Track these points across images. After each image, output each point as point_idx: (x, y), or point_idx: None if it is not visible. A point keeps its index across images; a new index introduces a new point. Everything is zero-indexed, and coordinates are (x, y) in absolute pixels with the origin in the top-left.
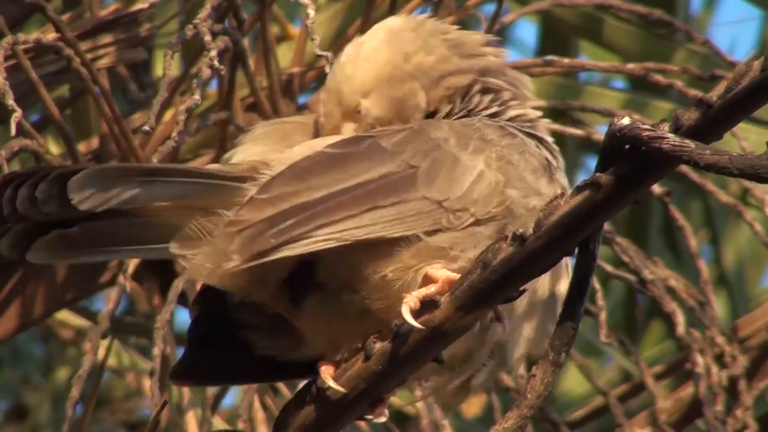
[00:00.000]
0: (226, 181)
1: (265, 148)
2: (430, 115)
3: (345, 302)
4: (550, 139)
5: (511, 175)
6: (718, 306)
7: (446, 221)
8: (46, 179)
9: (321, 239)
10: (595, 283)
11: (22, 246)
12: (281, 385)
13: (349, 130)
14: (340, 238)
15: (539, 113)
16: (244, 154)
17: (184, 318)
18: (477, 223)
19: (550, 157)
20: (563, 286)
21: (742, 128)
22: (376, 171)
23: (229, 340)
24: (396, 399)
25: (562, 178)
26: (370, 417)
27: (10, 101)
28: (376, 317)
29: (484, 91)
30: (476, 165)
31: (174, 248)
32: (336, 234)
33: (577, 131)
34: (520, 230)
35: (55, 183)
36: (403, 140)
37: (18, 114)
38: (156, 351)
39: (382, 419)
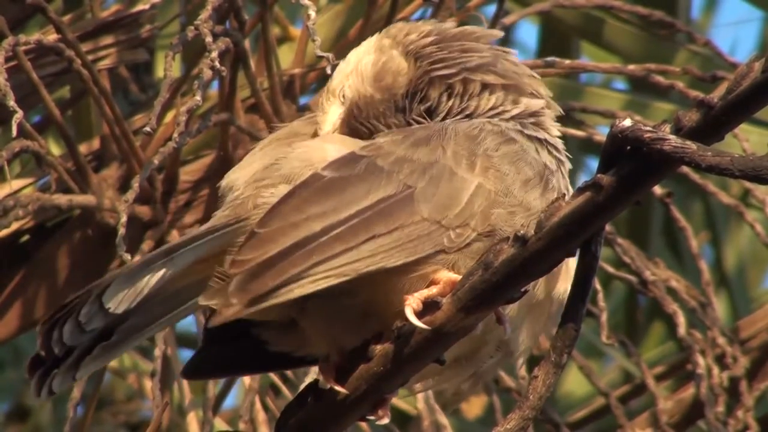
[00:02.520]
0: (227, 227)
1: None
2: (428, 111)
3: (345, 306)
4: (555, 133)
5: (499, 190)
6: (719, 307)
7: (447, 240)
8: (88, 303)
9: (320, 278)
10: (597, 284)
11: (72, 374)
12: (283, 386)
13: (334, 112)
14: (340, 274)
15: (541, 103)
16: (240, 172)
17: (185, 319)
18: (476, 239)
19: (549, 161)
20: (562, 287)
21: (744, 129)
22: (373, 195)
23: (241, 336)
24: (398, 400)
25: (561, 181)
26: (372, 417)
27: (11, 102)
28: (378, 319)
29: (483, 88)
30: (473, 178)
31: (202, 300)
32: (335, 270)
33: (579, 132)
34: (522, 231)
35: (95, 302)
36: (399, 159)
37: (19, 115)
38: (157, 352)
39: (384, 421)
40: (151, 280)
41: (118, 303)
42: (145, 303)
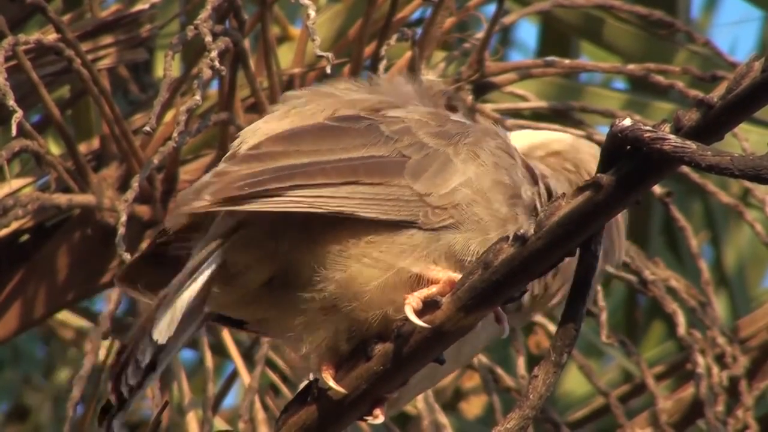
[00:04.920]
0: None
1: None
2: None
3: (305, 299)
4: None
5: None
6: (719, 306)
7: (423, 215)
8: (143, 340)
9: (294, 200)
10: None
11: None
12: (283, 386)
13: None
14: (313, 204)
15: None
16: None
17: None
18: (448, 227)
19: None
20: (467, 350)
21: (743, 129)
22: (367, 150)
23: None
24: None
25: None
26: (367, 418)
27: (11, 102)
28: (340, 314)
29: None
30: (466, 170)
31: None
32: (309, 198)
33: (578, 132)
34: (521, 230)
35: (147, 337)
36: (402, 129)
37: (19, 115)
38: None
39: (379, 421)
40: (183, 304)
41: (162, 333)
42: (179, 327)
